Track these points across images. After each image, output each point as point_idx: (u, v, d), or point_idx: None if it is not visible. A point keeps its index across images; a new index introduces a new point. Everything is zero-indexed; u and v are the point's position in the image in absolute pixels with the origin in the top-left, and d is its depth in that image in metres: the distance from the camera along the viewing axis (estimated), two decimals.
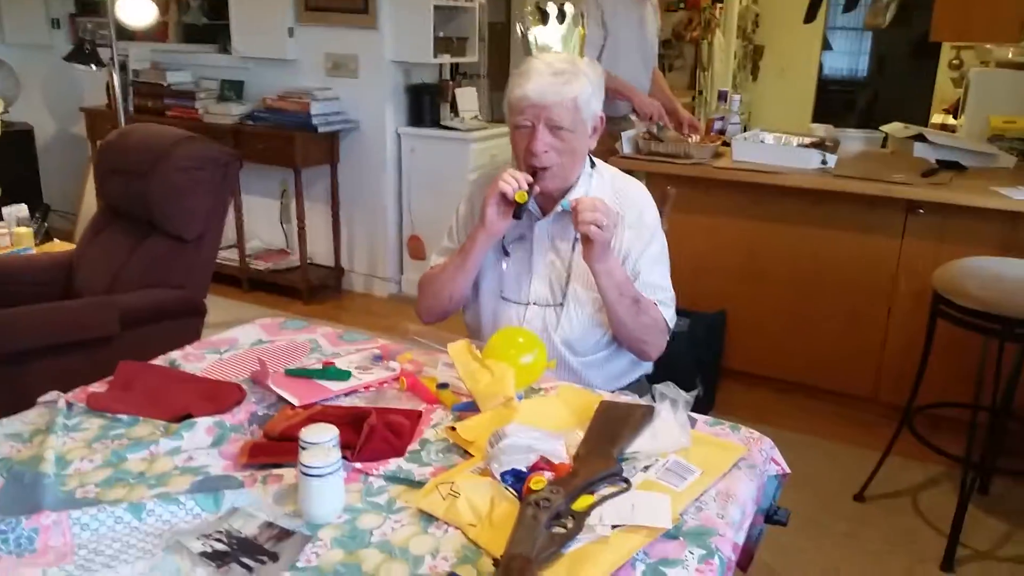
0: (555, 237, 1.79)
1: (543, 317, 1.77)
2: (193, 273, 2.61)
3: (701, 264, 3.22)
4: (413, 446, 1.31)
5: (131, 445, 1.29)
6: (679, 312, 1.84)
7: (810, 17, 6.04)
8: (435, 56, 4.07)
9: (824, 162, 3.06)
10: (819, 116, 6.75)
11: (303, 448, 1.12)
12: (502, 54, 5.13)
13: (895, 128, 3.67)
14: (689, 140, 3.32)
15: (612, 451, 1.24)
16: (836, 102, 7.96)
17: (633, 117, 3.72)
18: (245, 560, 1.04)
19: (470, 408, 1.43)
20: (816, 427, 3.06)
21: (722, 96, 4.22)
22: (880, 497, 2.62)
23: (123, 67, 4.47)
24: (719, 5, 6.48)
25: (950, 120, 4.83)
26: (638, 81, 3.55)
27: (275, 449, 1.26)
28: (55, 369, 2.14)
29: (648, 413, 1.34)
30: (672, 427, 1.31)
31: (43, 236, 3.62)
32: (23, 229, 3.10)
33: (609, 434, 1.28)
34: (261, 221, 4.74)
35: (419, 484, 1.20)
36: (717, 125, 3.70)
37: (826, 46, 7.62)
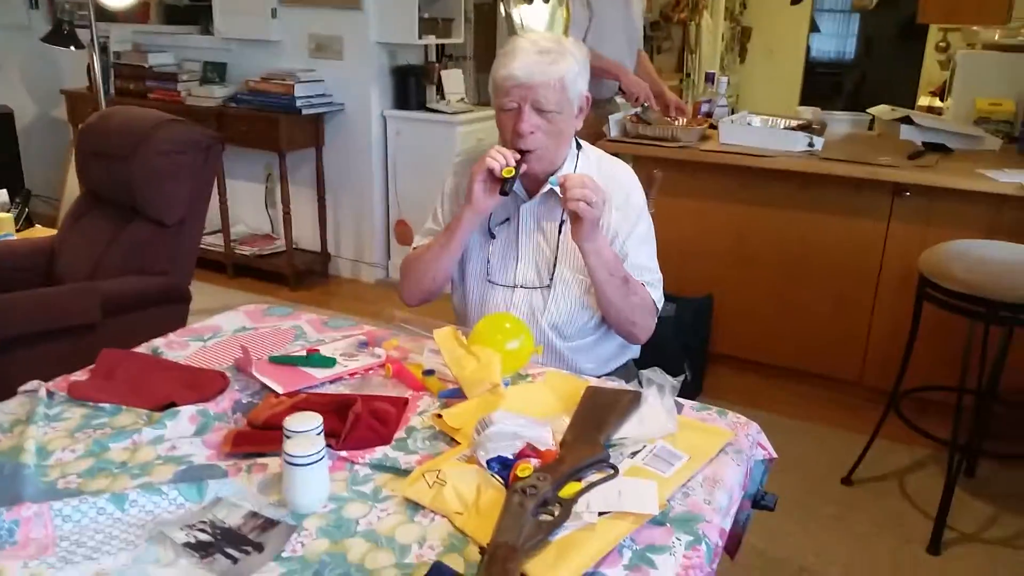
0: (541, 219, 1.78)
1: (530, 300, 1.76)
2: (177, 259, 2.58)
3: (688, 248, 3.22)
4: (399, 434, 1.30)
5: (113, 434, 1.28)
6: (666, 297, 1.83)
7: None
8: (420, 37, 4.02)
9: (811, 145, 3.06)
10: (806, 98, 6.76)
11: (287, 437, 1.11)
12: (488, 35, 5.08)
13: (882, 110, 3.67)
14: (676, 123, 3.30)
15: (599, 437, 1.23)
16: (823, 84, 7.96)
17: (619, 99, 3.69)
18: (229, 551, 1.02)
19: (456, 395, 1.42)
20: (803, 411, 3.07)
21: (709, 78, 4.21)
22: (867, 480, 2.64)
23: (104, 49, 4.41)
24: None
25: (937, 102, 4.83)
26: (623, 63, 3.52)
27: (259, 438, 1.25)
28: (36, 357, 2.12)
29: (635, 399, 1.34)
30: (659, 413, 1.31)
31: (24, 222, 3.58)
32: (3, 215, 3.06)
33: (596, 420, 1.28)
34: (246, 206, 4.70)
35: (405, 472, 1.19)
36: (704, 108, 3.69)
37: (814, 28, 7.61)
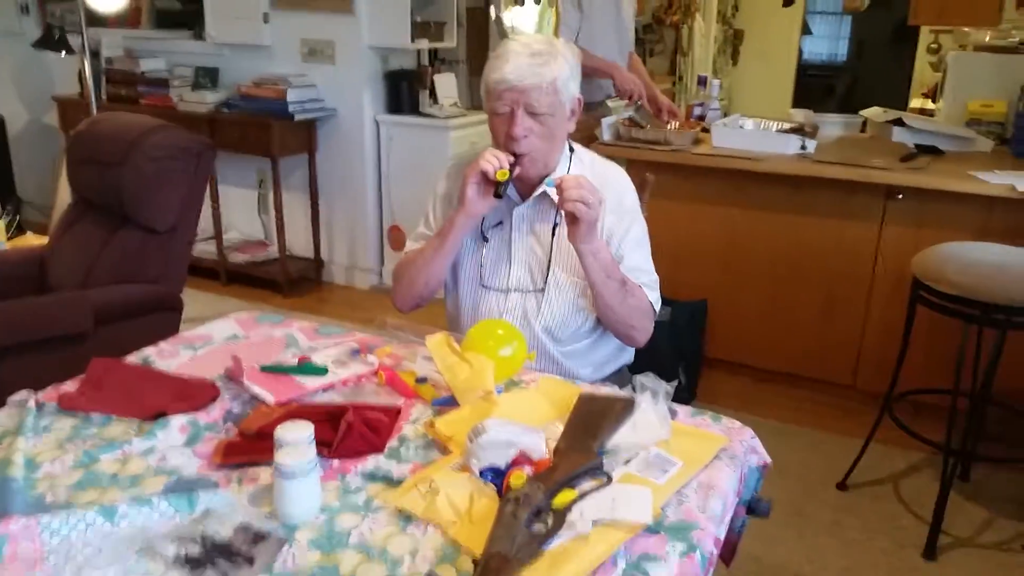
0: (534, 222, 1.77)
1: (523, 304, 1.76)
2: (168, 266, 2.57)
3: (681, 252, 3.22)
4: (392, 443, 1.30)
5: (103, 446, 1.27)
6: (661, 300, 1.82)
7: (789, 1, 6.04)
8: (413, 41, 4.01)
9: (804, 147, 3.06)
10: (799, 101, 6.77)
11: (278, 447, 1.10)
12: (481, 39, 5.07)
13: (874, 113, 3.67)
14: (669, 126, 3.30)
15: (592, 445, 1.23)
16: (816, 87, 7.98)
17: (611, 103, 3.69)
18: (220, 564, 1.01)
19: (450, 402, 1.41)
20: (798, 415, 3.07)
21: (702, 81, 4.21)
22: (863, 485, 2.64)
23: (95, 54, 4.39)
24: None
25: (929, 104, 4.85)
26: None
27: (250, 448, 1.24)
28: (27, 367, 2.10)
29: (628, 405, 1.33)
30: (652, 419, 1.30)
31: (15, 230, 3.56)
32: None
33: (589, 427, 1.27)
34: (239, 212, 4.68)
35: (397, 482, 1.18)
36: (697, 111, 3.69)
37: (806, 30, 7.63)
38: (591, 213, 1.55)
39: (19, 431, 1.29)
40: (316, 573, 1.00)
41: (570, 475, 1.14)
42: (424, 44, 4.18)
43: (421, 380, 1.48)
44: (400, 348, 1.62)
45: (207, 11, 4.38)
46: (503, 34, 1.76)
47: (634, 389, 1.37)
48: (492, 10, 1.78)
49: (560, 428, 1.28)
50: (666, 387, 1.37)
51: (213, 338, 1.70)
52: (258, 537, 1.06)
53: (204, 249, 4.38)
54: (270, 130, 4.02)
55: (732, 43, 7.11)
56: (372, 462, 1.24)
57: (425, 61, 4.43)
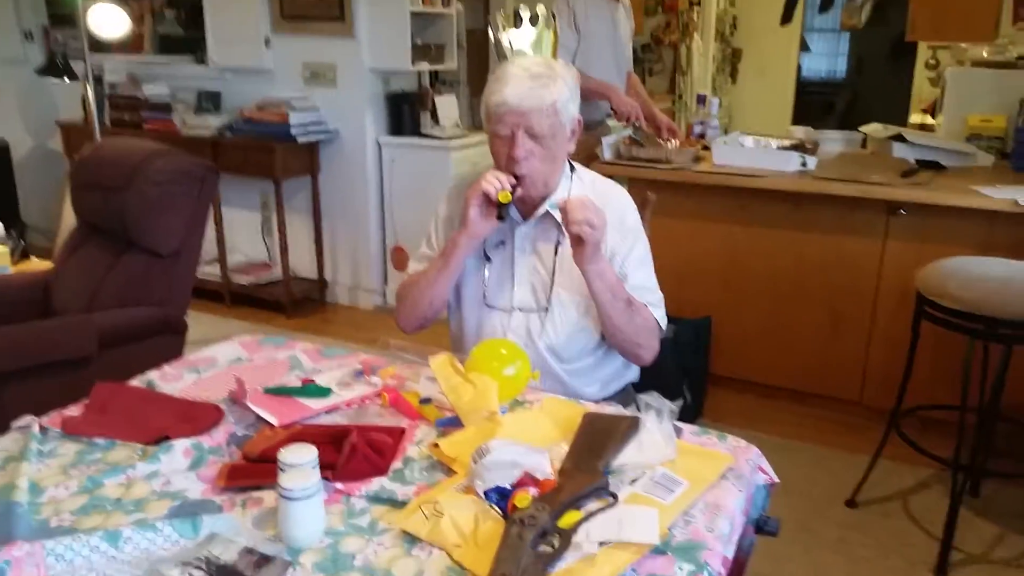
0: (537, 241, 1.77)
1: (527, 323, 1.76)
2: (172, 290, 2.57)
3: (684, 270, 3.22)
4: (396, 464, 1.29)
5: (107, 470, 1.26)
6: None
7: (786, 19, 6.08)
8: (413, 64, 4.04)
9: (804, 164, 3.06)
10: (798, 118, 6.78)
11: (282, 470, 1.09)
12: (481, 60, 5.11)
13: (874, 129, 3.68)
14: (669, 145, 3.32)
15: (598, 465, 1.22)
16: (815, 104, 8.00)
17: (611, 121, 3.71)
18: None
19: (454, 423, 1.41)
20: (805, 432, 3.06)
21: (701, 100, 4.22)
22: (871, 502, 2.62)
23: (98, 80, 4.43)
24: (696, 8, 6.50)
25: (928, 120, 4.85)
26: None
27: (254, 471, 1.24)
28: (31, 391, 2.10)
29: (633, 425, 1.32)
30: (658, 438, 1.30)
31: (20, 255, 3.56)
32: None
33: (594, 447, 1.26)
34: (243, 234, 4.70)
35: (402, 504, 1.18)
36: (697, 129, 3.71)
37: (804, 48, 7.66)
38: (596, 235, 1.55)
39: (23, 456, 1.28)
40: None
41: (576, 496, 1.13)
42: (425, 66, 4.21)
43: (425, 401, 1.48)
44: (404, 369, 1.62)
45: (209, 36, 4.42)
46: (502, 56, 1.77)
47: (639, 408, 1.37)
48: (491, 32, 1.79)
49: (565, 448, 1.27)
50: (671, 406, 1.37)
51: (217, 361, 1.70)
52: (262, 561, 1.06)
53: (208, 271, 4.39)
54: (273, 153, 4.04)
55: (731, 61, 7.14)
56: (376, 484, 1.23)
57: (426, 83, 4.46)
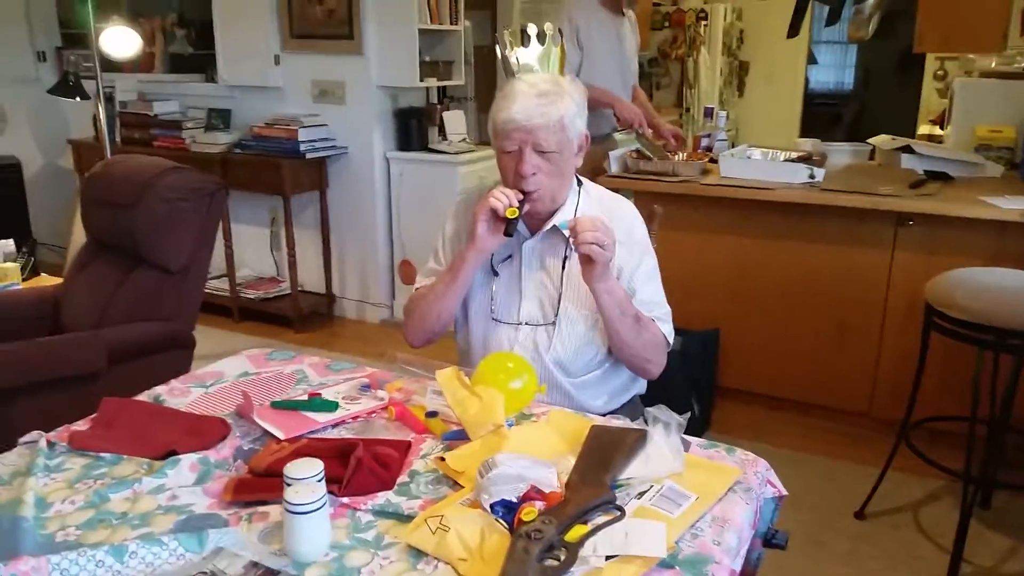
0: (544, 256, 1.78)
1: (534, 337, 1.76)
2: (181, 305, 2.58)
3: (692, 282, 3.21)
4: (402, 478, 1.29)
5: (114, 484, 1.27)
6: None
7: (793, 31, 6.06)
8: (421, 80, 4.07)
9: (812, 176, 3.06)
10: (806, 130, 6.77)
11: (288, 484, 1.09)
12: (489, 76, 5.14)
13: (882, 140, 3.68)
14: (676, 157, 3.32)
15: (605, 478, 1.21)
16: (823, 116, 8.00)
17: (618, 135, 3.72)
18: None
19: (460, 436, 1.40)
20: (814, 444, 3.04)
21: (708, 113, 4.23)
22: (881, 514, 2.59)
23: (109, 98, 4.47)
24: (704, 22, 6.53)
25: (937, 131, 4.84)
26: None
27: (260, 485, 1.24)
28: (41, 407, 2.11)
29: (641, 437, 1.32)
30: (665, 451, 1.29)
31: (30, 271, 3.59)
32: (9, 264, 3.07)
33: (601, 460, 1.26)
34: (251, 250, 4.72)
35: (408, 518, 1.17)
36: (704, 142, 3.71)
37: (811, 60, 7.67)
38: (606, 254, 1.56)
39: (30, 471, 1.29)
40: None
41: (582, 509, 1.13)
42: (433, 82, 4.23)
43: (431, 414, 1.48)
44: (410, 383, 1.62)
45: (219, 55, 4.46)
46: (509, 73, 1.78)
47: (646, 421, 1.36)
48: (498, 49, 1.80)
49: (572, 461, 1.27)
50: (678, 419, 1.35)
51: (224, 375, 1.71)
52: (268, 575, 1.06)
53: (216, 286, 4.41)
54: (282, 169, 4.06)
55: (738, 74, 7.16)
56: (382, 498, 1.23)
57: (434, 99, 4.49)
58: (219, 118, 4.50)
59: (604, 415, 1.61)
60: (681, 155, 3.40)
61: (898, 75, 7.63)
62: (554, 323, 1.75)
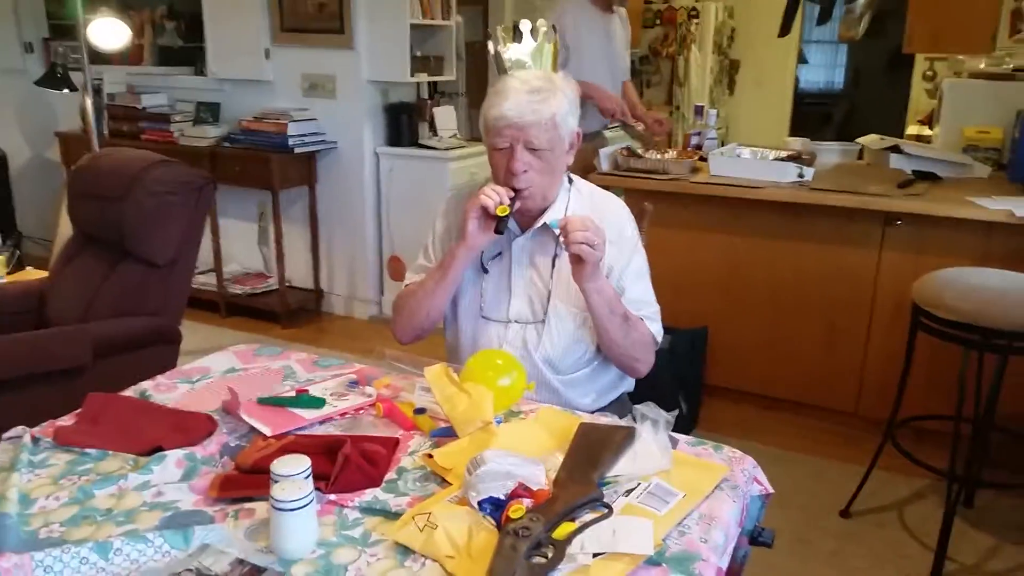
0: (534, 254, 1.77)
1: (523, 335, 1.75)
2: (168, 300, 2.57)
3: (681, 280, 3.22)
4: (390, 475, 1.29)
5: (99, 481, 1.26)
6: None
7: (784, 30, 6.08)
8: (412, 75, 4.05)
9: (801, 175, 3.07)
10: (796, 129, 6.80)
11: (274, 481, 1.09)
12: (480, 72, 5.13)
13: (871, 140, 3.69)
14: (666, 155, 3.32)
15: (592, 475, 1.21)
16: (812, 115, 8.03)
17: (608, 132, 3.72)
18: None
19: (448, 434, 1.40)
20: (800, 443, 3.05)
21: (698, 111, 4.24)
22: (866, 512, 2.61)
23: (97, 91, 4.43)
24: (695, 21, 6.54)
25: (925, 131, 4.87)
26: None
27: (247, 482, 1.23)
28: (25, 401, 2.10)
29: (629, 435, 1.32)
30: (653, 449, 1.29)
31: (16, 264, 3.56)
32: None
33: (589, 458, 1.26)
34: (239, 244, 4.70)
35: (395, 515, 1.17)
36: (694, 140, 3.71)
37: (802, 59, 7.69)
38: (596, 254, 1.56)
39: (14, 467, 1.28)
40: None
41: (570, 506, 1.13)
42: (423, 78, 4.22)
43: (419, 411, 1.48)
44: (398, 379, 1.61)
45: (208, 47, 4.43)
46: (501, 69, 1.78)
47: (634, 419, 1.37)
48: (490, 45, 1.79)
49: (560, 459, 1.27)
50: (666, 416, 1.36)
51: (211, 371, 1.70)
52: (254, 572, 1.05)
53: (204, 281, 4.39)
54: (270, 163, 4.04)
55: (728, 73, 7.17)
56: (369, 495, 1.22)
57: (425, 94, 4.47)
58: (208, 111, 4.47)
59: (592, 412, 1.61)
60: (670, 153, 3.40)
61: (888, 75, 7.66)
62: (543, 321, 1.75)
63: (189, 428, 1.40)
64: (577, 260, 1.58)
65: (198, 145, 4.30)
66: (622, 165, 3.30)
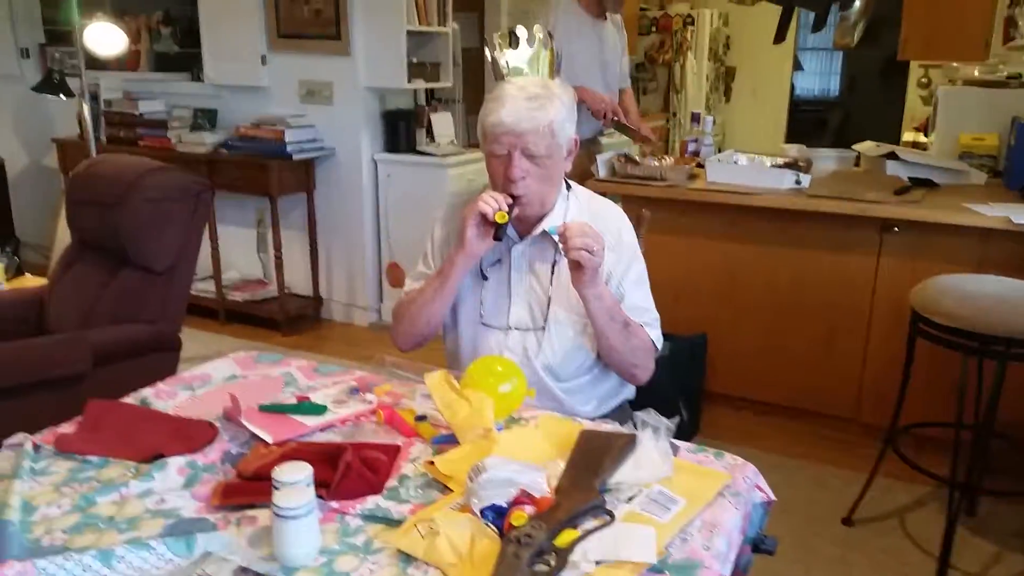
0: (533, 260, 1.78)
1: (523, 342, 1.75)
2: (167, 306, 2.57)
3: (680, 287, 3.22)
4: (391, 482, 1.28)
5: (101, 488, 1.25)
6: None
7: (779, 38, 6.10)
8: (409, 82, 4.06)
9: (798, 182, 3.08)
10: (792, 136, 6.82)
11: (276, 488, 1.09)
12: (477, 79, 5.14)
13: (867, 147, 3.70)
14: (663, 162, 3.33)
15: (594, 482, 1.21)
16: (809, 122, 8.06)
17: (604, 139, 3.73)
18: None
19: (449, 440, 1.40)
20: (802, 450, 3.05)
21: (695, 118, 4.26)
22: (868, 520, 2.61)
23: (94, 97, 4.43)
24: (690, 28, 6.56)
25: (921, 138, 4.89)
26: None
27: (248, 489, 1.23)
28: (25, 409, 2.08)
29: (630, 442, 1.32)
30: (654, 456, 1.29)
31: (14, 271, 3.55)
32: None
33: (591, 465, 1.26)
34: (238, 251, 4.69)
35: (397, 523, 1.17)
36: (691, 147, 3.73)
37: (797, 66, 7.73)
38: (595, 260, 1.56)
39: (15, 474, 1.27)
40: None
41: (572, 514, 1.13)
42: (421, 84, 4.23)
43: (420, 418, 1.48)
44: (399, 386, 1.61)
45: (205, 54, 4.44)
46: (498, 76, 1.78)
47: (635, 426, 1.37)
48: (487, 52, 1.80)
49: (561, 466, 1.27)
50: (667, 423, 1.36)
51: (211, 378, 1.70)
52: None
53: (203, 288, 4.38)
54: (268, 170, 4.04)
55: (724, 80, 7.20)
56: (371, 502, 1.22)
57: (422, 101, 4.48)
58: (205, 118, 4.47)
59: (593, 420, 1.61)
60: (668, 159, 3.41)
61: (883, 82, 7.69)
62: (543, 328, 1.75)
63: (190, 435, 1.39)
64: (576, 266, 1.58)
65: (196, 152, 4.30)
66: (619, 172, 3.31)
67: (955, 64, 4.57)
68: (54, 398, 2.17)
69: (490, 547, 1.07)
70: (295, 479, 1.09)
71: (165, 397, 1.60)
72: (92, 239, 2.67)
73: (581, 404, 1.78)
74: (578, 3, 3.53)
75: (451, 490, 1.25)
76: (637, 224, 1.99)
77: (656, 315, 1.81)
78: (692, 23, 6.58)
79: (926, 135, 4.66)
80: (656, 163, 3.30)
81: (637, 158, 3.35)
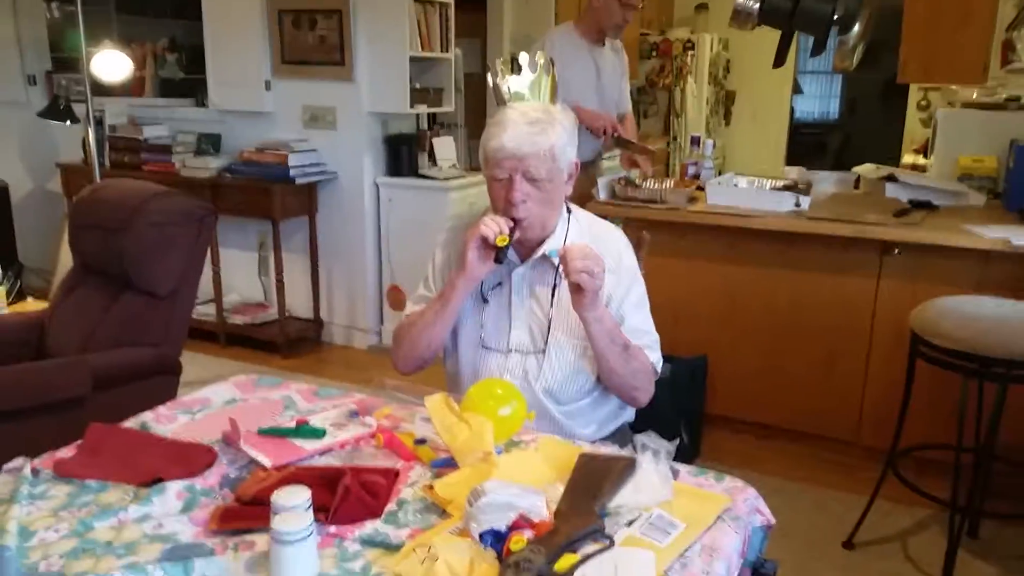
0: (534, 284, 1.78)
1: (524, 365, 1.76)
2: (168, 330, 2.57)
3: (680, 309, 3.22)
4: (390, 506, 1.28)
5: (99, 513, 1.25)
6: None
7: (779, 62, 6.14)
8: (412, 107, 4.10)
9: (798, 204, 3.09)
10: (792, 159, 6.85)
11: (275, 513, 1.09)
12: (478, 103, 5.18)
13: (867, 169, 3.72)
14: (663, 185, 3.34)
15: (594, 506, 1.21)
16: (808, 145, 8.09)
17: (604, 162, 3.75)
18: None
19: (449, 464, 1.40)
20: (802, 473, 3.04)
21: (695, 141, 4.27)
22: (869, 543, 2.59)
23: (99, 122, 4.47)
24: (690, 52, 6.61)
25: (920, 160, 4.91)
26: None
27: (247, 514, 1.23)
28: (25, 432, 2.08)
29: (630, 465, 1.32)
30: (654, 479, 1.29)
31: (16, 295, 3.57)
32: None
33: (590, 488, 1.25)
34: (239, 274, 4.71)
35: (396, 547, 1.16)
36: (691, 170, 3.74)
37: (797, 90, 7.78)
38: (596, 283, 1.57)
39: (13, 498, 1.27)
40: None
41: (572, 538, 1.12)
42: (423, 109, 4.26)
43: (420, 442, 1.48)
44: (399, 409, 1.61)
45: (209, 79, 4.48)
46: (500, 101, 1.80)
47: (635, 449, 1.36)
48: (489, 77, 1.82)
49: (561, 489, 1.26)
50: (667, 446, 1.36)
51: (211, 402, 1.70)
52: None
53: (204, 311, 4.39)
54: (271, 194, 4.07)
55: (724, 104, 7.24)
56: (370, 527, 1.22)
57: (424, 125, 4.51)
58: (209, 143, 4.51)
59: (593, 443, 1.61)
60: (668, 182, 3.42)
61: (882, 105, 7.73)
62: (544, 351, 1.75)
63: (189, 459, 1.39)
64: (577, 289, 1.58)
65: (199, 176, 4.33)
66: (620, 194, 3.32)
67: (954, 87, 4.60)
68: (55, 422, 2.17)
69: (489, 572, 1.07)
70: (294, 503, 1.09)
71: (165, 421, 1.60)
72: (95, 263, 2.68)
73: (581, 427, 1.78)
74: (575, 29, 3.56)
75: (450, 514, 1.25)
76: (637, 246, 1.99)
77: (656, 337, 1.81)
78: (692, 48, 6.63)
79: (925, 157, 4.68)
80: (656, 186, 3.31)
81: (637, 181, 3.37)
